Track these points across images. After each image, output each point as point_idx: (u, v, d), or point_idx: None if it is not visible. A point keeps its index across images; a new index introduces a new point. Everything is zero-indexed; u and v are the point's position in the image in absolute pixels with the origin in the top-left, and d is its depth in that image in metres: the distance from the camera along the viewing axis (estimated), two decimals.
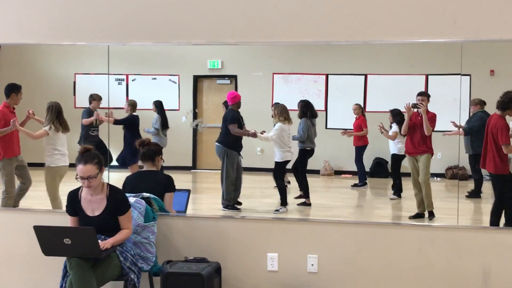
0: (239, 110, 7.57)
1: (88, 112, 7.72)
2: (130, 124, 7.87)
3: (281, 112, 7.57)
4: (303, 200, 7.68)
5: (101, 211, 4.75)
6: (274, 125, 7.63)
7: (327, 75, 8.96)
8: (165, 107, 8.96)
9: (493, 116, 5.76)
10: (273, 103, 8.02)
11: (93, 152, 4.75)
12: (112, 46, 7.43)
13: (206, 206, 7.62)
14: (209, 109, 8.92)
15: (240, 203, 7.46)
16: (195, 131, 8.98)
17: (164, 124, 8.41)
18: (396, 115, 7.59)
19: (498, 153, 5.63)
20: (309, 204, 7.64)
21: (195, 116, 9.03)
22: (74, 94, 8.57)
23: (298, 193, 7.77)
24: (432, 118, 6.67)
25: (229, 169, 7.35)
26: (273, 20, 5.08)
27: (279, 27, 5.08)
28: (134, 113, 8.01)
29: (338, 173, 8.94)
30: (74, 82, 8.56)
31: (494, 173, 5.78)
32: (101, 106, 7.54)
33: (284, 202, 7.45)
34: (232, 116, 7.46)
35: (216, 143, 7.53)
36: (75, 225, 4.82)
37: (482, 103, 7.10)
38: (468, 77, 7.85)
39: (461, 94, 5.66)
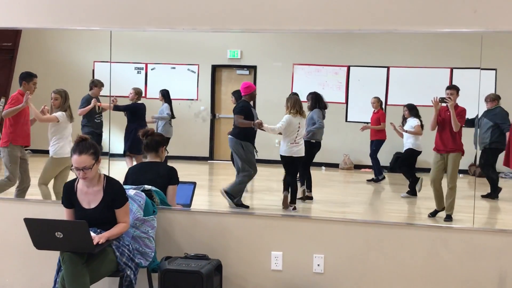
0: (254, 102, 7.32)
1: (87, 99, 7.47)
2: (134, 112, 7.67)
3: (293, 105, 7.15)
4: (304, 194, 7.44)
5: (97, 204, 4.52)
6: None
7: (348, 67, 8.73)
8: (184, 97, 8.80)
9: None
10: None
11: (89, 142, 4.51)
12: (131, 34, 7.31)
13: (219, 200, 7.29)
14: (228, 99, 8.66)
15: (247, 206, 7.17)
16: (212, 121, 8.78)
17: (171, 114, 8.20)
18: (413, 109, 7.27)
19: None
20: (311, 198, 7.40)
21: (212, 107, 8.85)
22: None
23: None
24: (461, 113, 6.29)
25: (244, 164, 7.04)
26: (283, 6, 4.78)
27: (290, 13, 4.78)
28: (139, 101, 7.80)
29: (357, 167, 8.67)
30: (93, 70, 8.36)
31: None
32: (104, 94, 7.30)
33: (293, 200, 7.10)
34: (241, 107, 7.15)
35: (229, 136, 7.21)
36: (71, 217, 4.60)
37: (498, 98, 6.81)
38: (494, 71, 7.53)
39: (480, 89, 5.25)
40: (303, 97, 7.50)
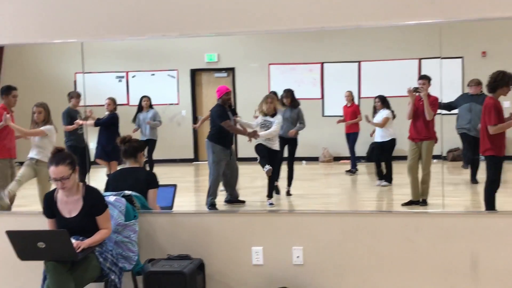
0: (230, 103, 7.09)
1: (68, 113, 7.37)
2: (113, 123, 7.52)
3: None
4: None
5: (77, 212, 4.46)
6: (272, 115, 7.07)
7: (322, 64, 8.69)
8: (165, 102, 8.78)
9: (486, 99, 5.43)
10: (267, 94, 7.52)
11: (65, 152, 4.47)
12: (112, 44, 7.26)
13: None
14: (209, 102, 8.60)
15: (242, 201, 7.02)
16: (195, 123, 8.74)
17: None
18: (384, 101, 7.25)
19: (487, 134, 5.28)
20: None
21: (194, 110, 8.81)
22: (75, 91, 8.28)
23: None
24: (433, 102, 6.25)
25: (214, 166, 6.80)
26: (251, 8, 4.73)
27: (258, 15, 4.73)
28: (115, 111, 7.68)
29: (336, 159, 8.66)
30: (75, 81, 8.27)
31: (484, 155, 5.44)
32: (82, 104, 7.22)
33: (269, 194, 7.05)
34: (221, 113, 6.88)
35: (206, 139, 7.11)
36: (53, 227, 4.54)
37: (481, 83, 6.70)
38: (461, 59, 7.53)
39: (441, 78, 5.22)
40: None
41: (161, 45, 8.08)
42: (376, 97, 7.47)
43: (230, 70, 8.82)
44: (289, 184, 7.26)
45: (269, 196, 6.93)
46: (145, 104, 8.18)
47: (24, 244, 4.19)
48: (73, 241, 4.24)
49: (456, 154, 7.55)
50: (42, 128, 6.39)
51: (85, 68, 8.25)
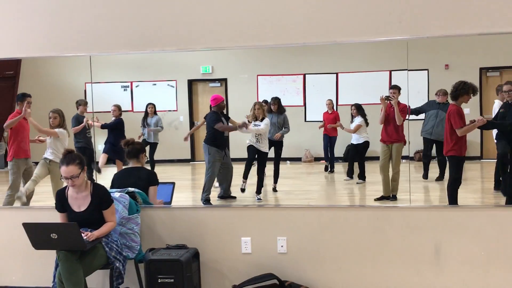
0: (222, 111, 7.06)
1: (77, 118, 7.28)
2: (118, 127, 7.44)
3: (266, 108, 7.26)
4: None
5: (86, 207, 4.46)
6: (262, 119, 7.11)
7: (304, 75, 8.71)
8: (165, 109, 8.76)
9: (449, 106, 5.44)
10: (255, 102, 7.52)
11: (75, 153, 4.46)
12: (117, 57, 7.22)
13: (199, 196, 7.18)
14: (204, 109, 8.60)
15: (234, 197, 6.97)
16: (191, 128, 8.72)
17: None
18: (360, 109, 7.30)
19: (450, 137, 5.32)
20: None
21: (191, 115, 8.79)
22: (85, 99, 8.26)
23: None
24: (403, 109, 6.26)
25: (210, 165, 6.78)
26: (239, 26, 4.76)
27: (246, 31, 4.76)
28: (120, 117, 7.59)
29: (317, 159, 8.67)
30: (85, 90, 8.25)
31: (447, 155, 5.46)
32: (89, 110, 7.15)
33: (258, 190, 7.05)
34: (215, 118, 6.88)
35: (203, 142, 7.10)
36: (64, 220, 4.53)
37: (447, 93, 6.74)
38: (426, 71, 7.57)
39: (408, 88, 5.26)
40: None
41: (162, 58, 8.02)
42: (352, 105, 7.50)
43: (223, 81, 8.80)
44: (275, 181, 7.25)
45: (258, 192, 6.94)
46: (150, 110, 8.19)
47: (39, 235, 4.19)
48: (83, 233, 4.25)
49: (421, 154, 7.58)
50: (55, 130, 6.38)
51: (93, 78, 8.27)
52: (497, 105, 6.14)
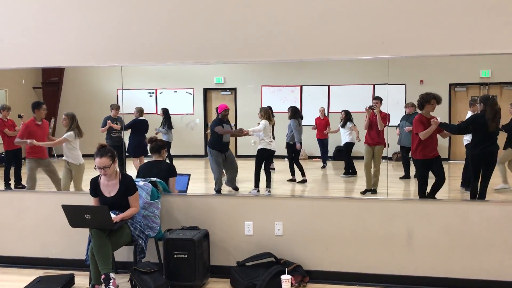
0: (226, 118, 6.98)
1: (106, 119, 7.05)
2: (136, 127, 7.23)
3: (265, 113, 7.03)
4: (301, 178, 7.26)
5: (115, 193, 4.47)
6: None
7: (301, 86, 8.70)
8: (183, 112, 8.74)
9: (416, 115, 5.36)
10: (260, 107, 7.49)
11: (108, 147, 4.48)
12: (145, 67, 7.21)
13: (210, 186, 7.13)
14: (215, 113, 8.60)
15: (237, 188, 6.80)
16: (205, 128, 8.71)
17: (169, 125, 8.03)
18: (348, 114, 7.33)
19: (415, 141, 5.21)
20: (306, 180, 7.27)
21: (205, 118, 8.76)
22: (117, 103, 8.26)
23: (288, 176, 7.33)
24: (385, 117, 6.25)
25: (213, 165, 6.70)
26: (247, 43, 4.76)
27: (253, 48, 4.76)
28: (141, 118, 7.39)
29: (310, 157, 8.65)
30: (117, 96, 8.26)
31: (414, 158, 5.31)
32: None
33: (256, 185, 6.81)
34: (216, 124, 6.82)
35: (207, 145, 7.07)
36: (96, 204, 4.54)
37: (415, 105, 6.61)
38: (404, 85, 7.53)
39: (387, 100, 5.26)
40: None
41: (182, 69, 8.00)
42: (342, 111, 7.51)
43: (233, 90, 8.78)
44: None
45: (268, 186, 6.84)
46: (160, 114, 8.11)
47: (75, 215, 4.21)
48: (111, 215, 4.25)
49: (398, 155, 7.55)
50: (64, 135, 6.00)
51: (124, 85, 8.32)
52: (468, 116, 6.06)
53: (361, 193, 6.21)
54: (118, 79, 8.15)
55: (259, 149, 6.82)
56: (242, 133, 6.82)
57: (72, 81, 8.25)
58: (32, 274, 4.86)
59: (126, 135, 7.08)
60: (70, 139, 5.96)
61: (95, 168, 4.43)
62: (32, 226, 5.27)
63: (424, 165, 5.17)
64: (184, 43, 4.83)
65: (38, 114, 6.07)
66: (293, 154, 7.41)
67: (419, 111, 5.29)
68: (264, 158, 6.79)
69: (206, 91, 8.92)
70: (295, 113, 7.44)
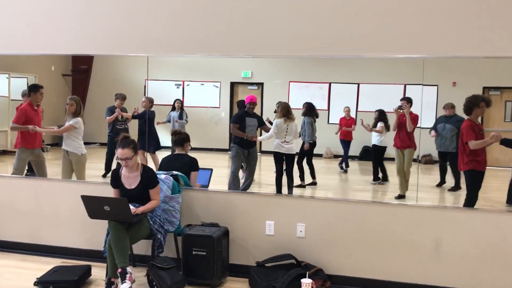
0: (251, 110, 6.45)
1: (111, 109, 6.57)
2: (145, 118, 6.36)
3: (282, 110, 6.28)
4: (311, 180, 6.81)
5: (136, 185, 4.34)
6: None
7: (330, 83, 8.45)
8: (209, 105, 8.60)
9: (464, 121, 4.76)
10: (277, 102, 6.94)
11: (130, 139, 4.33)
12: (173, 58, 7.08)
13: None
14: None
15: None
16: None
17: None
18: (381, 114, 6.98)
19: (464, 151, 4.64)
20: (316, 183, 6.79)
21: (231, 113, 8.58)
22: (145, 95, 8.15)
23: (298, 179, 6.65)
24: (414, 118, 5.90)
25: (233, 161, 6.19)
26: (276, 37, 4.55)
27: (282, 43, 4.54)
28: (151, 109, 6.68)
29: (336, 156, 8.41)
30: (145, 86, 8.16)
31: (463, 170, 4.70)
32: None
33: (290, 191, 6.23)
34: (235, 118, 6.36)
35: None
36: (117, 195, 4.41)
37: (454, 106, 6.11)
38: (436, 87, 7.24)
39: (421, 101, 4.97)
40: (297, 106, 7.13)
41: (210, 62, 7.88)
42: (376, 111, 7.14)
43: (260, 84, 8.60)
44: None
45: (289, 192, 6.17)
46: (177, 105, 7.67)
47: (94, 206, 4.09)
48: (131, 207, 4.12)
49: (427, 158, 7.24)
50: (70, 122, 5.46)
51: (153, 76, 8.18)
52: None
53: (396, 198, 5.91)
54: (146, 70, 8.07)
55: (287, 154, 6.22)
56: (252, 139, 6.21)
57: (101, 70, 8.20)
58: (50, 263, 4.77)
59: (132, 126, 6.68)
60: (77, 126, 5.49)
61: (116, 159, 4.30)
62: (52, 215, 5.18)
63: (476, 178, 4.60)
64: (211, 35, 4.66)
65: (34, 98, 5.59)
66: (304, 154, 6.75)
67: (466, 116, 4.73)
68: (278, 161, 6.17)
69: (233, 85, 8.76)
70: (310, 110, 6.82)
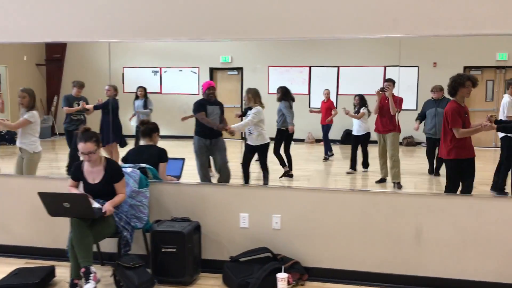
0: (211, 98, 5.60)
1: (68, 98, 5.99)
2: (108, 107, 5.92)
3: (253, 95, 5.65)
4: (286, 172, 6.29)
5: (100, 180, 4.04)
6: (250, 108, 5.64)
7: (310, 67, 8.18)
8: (188, 92, 8.29)
9: (447, 104, 4.32)
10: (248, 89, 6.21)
11: (92, 131, 4.01)
12: (149, 44, 6.73)
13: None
14: (222, 94, 8.09)
15: None
16: None
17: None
18: (362, 99, 6.66)
19: (447, 138, 4.24)
20: (292, 175, 6.28)
21: None
22: (123, 82, 7.79)
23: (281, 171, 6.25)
24: (399, 101, 5.62)
25: (197, 156, 5.47)
26: (257, 20, 4.21)
27: (263, 25, 4.20)
28: (115, 97, 6.03)
29: (317, 141, 8.16)
30: (122, 74, 7.81)
31: (445, 158, 4.30)
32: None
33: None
34: (196, 106, 5.48)
35: None
36: (75, 187, 4.12)
37: (443, 89, 5.66)
38: (417, 68, 6.99)
39: (399, 82, 4.68)
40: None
41: (187, 47, 7.57)
42: (356, 95, 6.81)
43: (239, 69, 8.30)
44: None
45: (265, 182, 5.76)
46: (139, 94, 6.95)
47: (52, 203, 3.78)
48: (97, 204, 3.82)
49: (409, 140, 7.00)
50: (25, 116, 4.99)
51: (129, 63, 7.80)
52: (507, 100, 5.27)
53: (376, 182, 5.63)
54: (123, 57, 7.71)
55: (265, 144, 5.71)
56: (227, 130, 5.45)
57: (75, 58, 7.84)
58: (13, 264, 4.46)
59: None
60: (33, 120, 5.01)
61: (78, 154, 3.98)
62: (15, 213, 4.84)
63: (456, 166, 4.22)
64: (200, 19, 4.29)
65: None
66: (286, 141, 6.33)
67: (450, 98, 4.30)
68: (250, 151, 5.67)
69: (212, 71, 8.45)
70: (286, 94, 6.34)
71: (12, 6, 4.65)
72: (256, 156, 5.80)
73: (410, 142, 6.98)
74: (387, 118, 5.75)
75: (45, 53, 7.42)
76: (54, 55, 7.60)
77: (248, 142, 5.73)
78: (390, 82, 5.72)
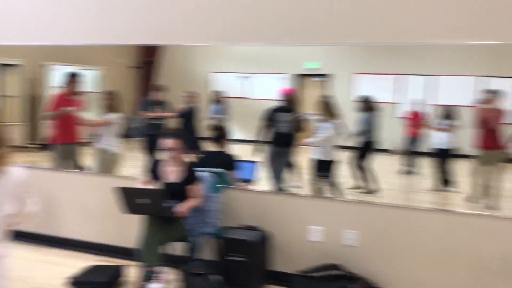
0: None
1: (149, 102, 5.89)
2: (191, 115, 5.91)
3: (334, 108, 5.24)
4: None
5: (178, 179, 3.96)
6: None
7: (400, 75, 7.71)
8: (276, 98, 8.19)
9: None
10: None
11: (178, 130, 4.01)
12: (236, 50, 6.67)
13: None
14: (307, 100, 7.89)
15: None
16: None
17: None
18: (449, 111, 6.05)
19: None
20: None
21: None
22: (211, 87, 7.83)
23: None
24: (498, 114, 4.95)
25: (268, 162, 5.19)
26: (344, 25, 3.94)
27: (351, 31, 3.92)
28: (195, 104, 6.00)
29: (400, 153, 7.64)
30: (209, 79, 7.88)
31: None
32: None
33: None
34: (266, 111, 5.28)
35: None
36: (148, 183, 4.06)
37: None
38: None
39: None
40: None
41: (275, 54, 7.41)
42: (444, 107, 6.18)
43: (327, 76, 8.03)
44: None
45: None
46: (217, 98, 6.78)
47: (130, 198, 3.72)
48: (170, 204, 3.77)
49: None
50: (106, 117, 5.11)
51: (215, 69, 7.80)
52: None
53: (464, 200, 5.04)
54: (211, 62, 7.74)
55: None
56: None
57: (170, 62, 7.99)
58: (86, 259, 4.55)
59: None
60: (114, 122, 5.14)
61: (162, 150, 3.94)
62: (92, 209, 4.94)
63: None
64: (285, 23, 4.12)
65: (72, 87, 5.29)
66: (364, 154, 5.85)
67: None
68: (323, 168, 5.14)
69: (299, 77, 8.28)
70: (371, 104, 5.99)
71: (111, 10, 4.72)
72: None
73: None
74: (488, 133, 5.10)
75: (139, 56, 7.65)
76: (147, 58, 7.81)
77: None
78: (493, 93, 5.11)
